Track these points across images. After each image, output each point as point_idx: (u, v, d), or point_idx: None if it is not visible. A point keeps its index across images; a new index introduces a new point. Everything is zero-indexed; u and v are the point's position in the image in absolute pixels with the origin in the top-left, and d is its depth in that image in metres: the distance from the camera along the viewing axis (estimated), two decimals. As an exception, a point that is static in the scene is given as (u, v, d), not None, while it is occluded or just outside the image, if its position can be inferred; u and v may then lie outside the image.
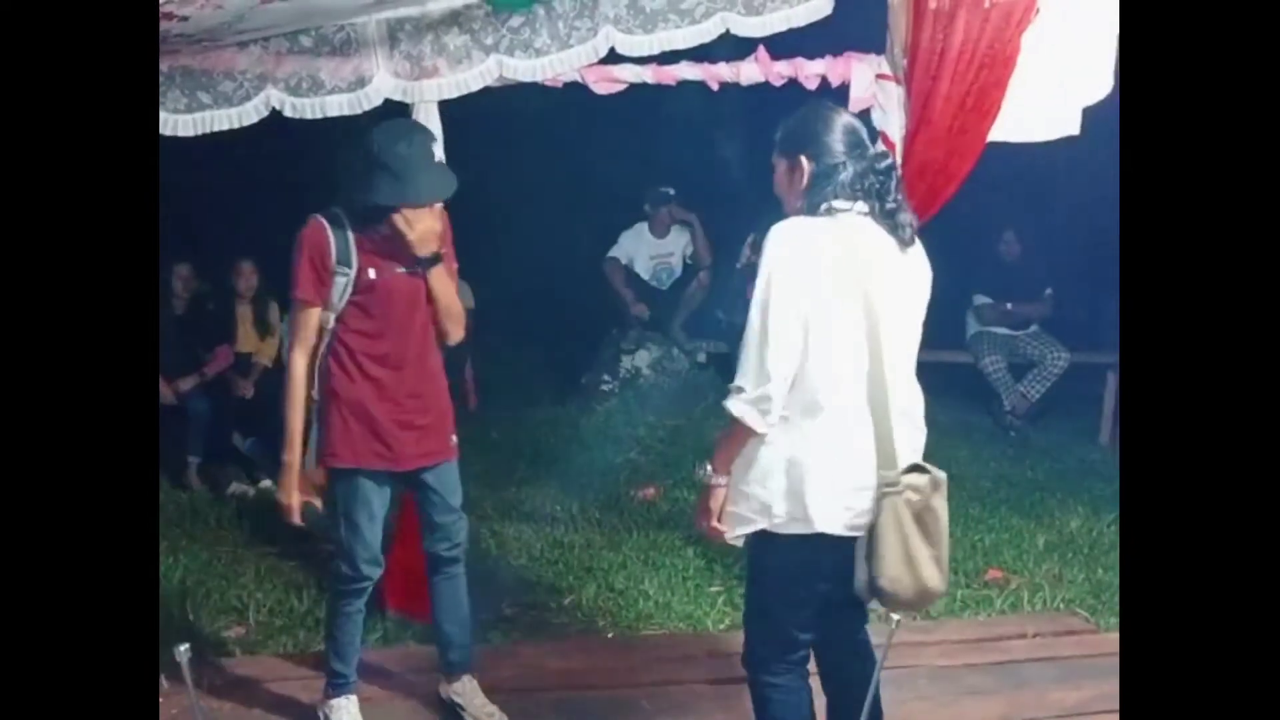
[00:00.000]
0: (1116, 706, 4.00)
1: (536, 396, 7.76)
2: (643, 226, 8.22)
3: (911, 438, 2.96)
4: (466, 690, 3.82)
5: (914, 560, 2.84)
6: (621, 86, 4.49)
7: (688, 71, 4.50)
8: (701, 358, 8.07)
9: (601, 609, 4.89)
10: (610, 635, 4.69)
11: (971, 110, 4.08)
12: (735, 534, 2.98)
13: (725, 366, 7.88)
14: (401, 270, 3.49)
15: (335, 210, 3.49)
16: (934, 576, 2.88)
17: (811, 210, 2.91)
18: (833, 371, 2.83)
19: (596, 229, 8.49)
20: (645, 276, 8.21)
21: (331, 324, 3.50)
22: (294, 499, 3.56)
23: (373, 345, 3.50)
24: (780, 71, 4.52)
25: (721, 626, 4.77)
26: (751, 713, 3.16)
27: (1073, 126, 4.19)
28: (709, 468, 3.00)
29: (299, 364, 3.51)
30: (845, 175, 2.91)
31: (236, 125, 4.17)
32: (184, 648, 2.32)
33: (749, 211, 4.11)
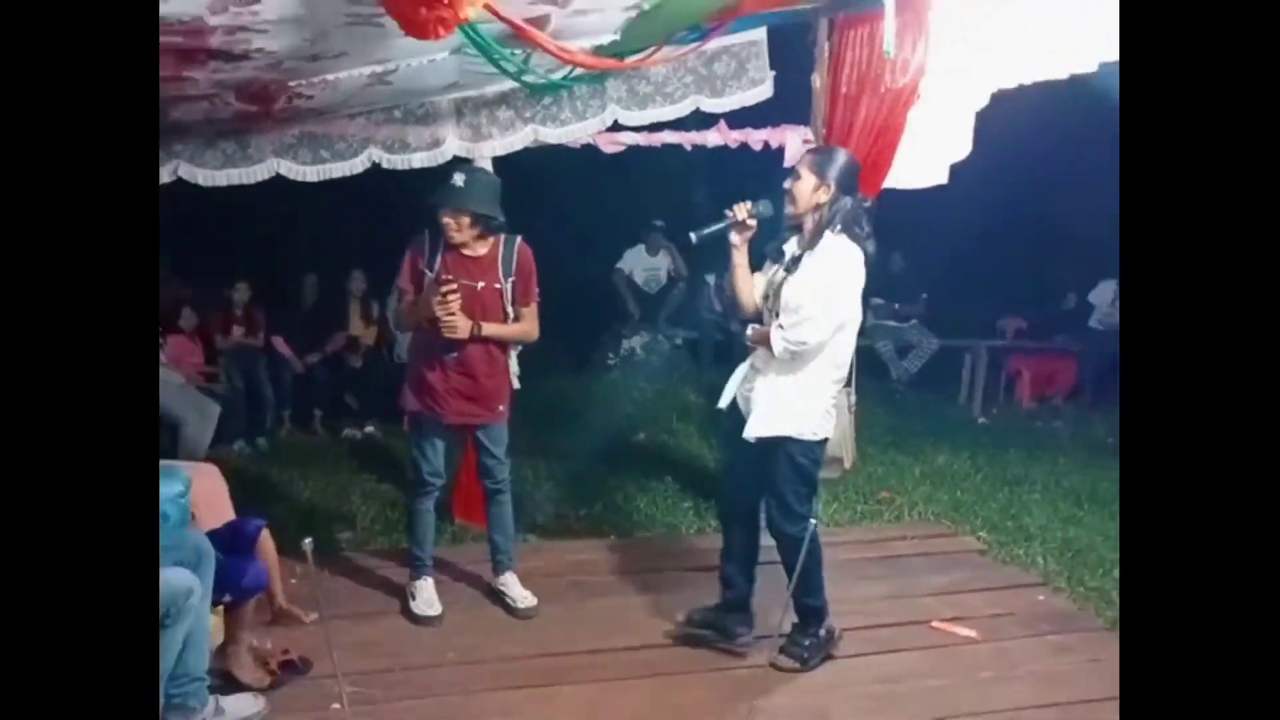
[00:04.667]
0: (969, 588, 4.06)
1: (560, 369, 7.76)
2: (640, 247, 8.27)
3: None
4: (509, 582, 3.80)
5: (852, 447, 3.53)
6: (622, 147, 4.51)
7: (669, 137, 4.54)
8: (679, 342, 8.08)
9: (606, 519, 4.88)
10: (613, 537, 4.68)
11: (871, 166, 4.06)
12: (761, 434, 3.10)
13: (695, 350, 7.92)
14: (464, 281, 3.44)
15: (428, 231, 3.50)
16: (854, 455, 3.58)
17: (828, 226, 3.05)
18: (851, 344, 3.14)
19: (605, 249, 8.48)
20: (640, 284, 8.28)
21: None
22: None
23: (439, 333, 3.45)
24: (735, 137, 4.53)
25: (692, 531, 4.77)
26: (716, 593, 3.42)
27: (942, 177, 4.18)
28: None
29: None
30: (850, 207, 3.07)
31: (347, 174, 4.17)
32: (308, 541, 2.31)
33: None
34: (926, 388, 7.93)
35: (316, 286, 6.94)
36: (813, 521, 3.05)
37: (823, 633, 3.35)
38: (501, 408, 3.65)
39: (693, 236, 3.16)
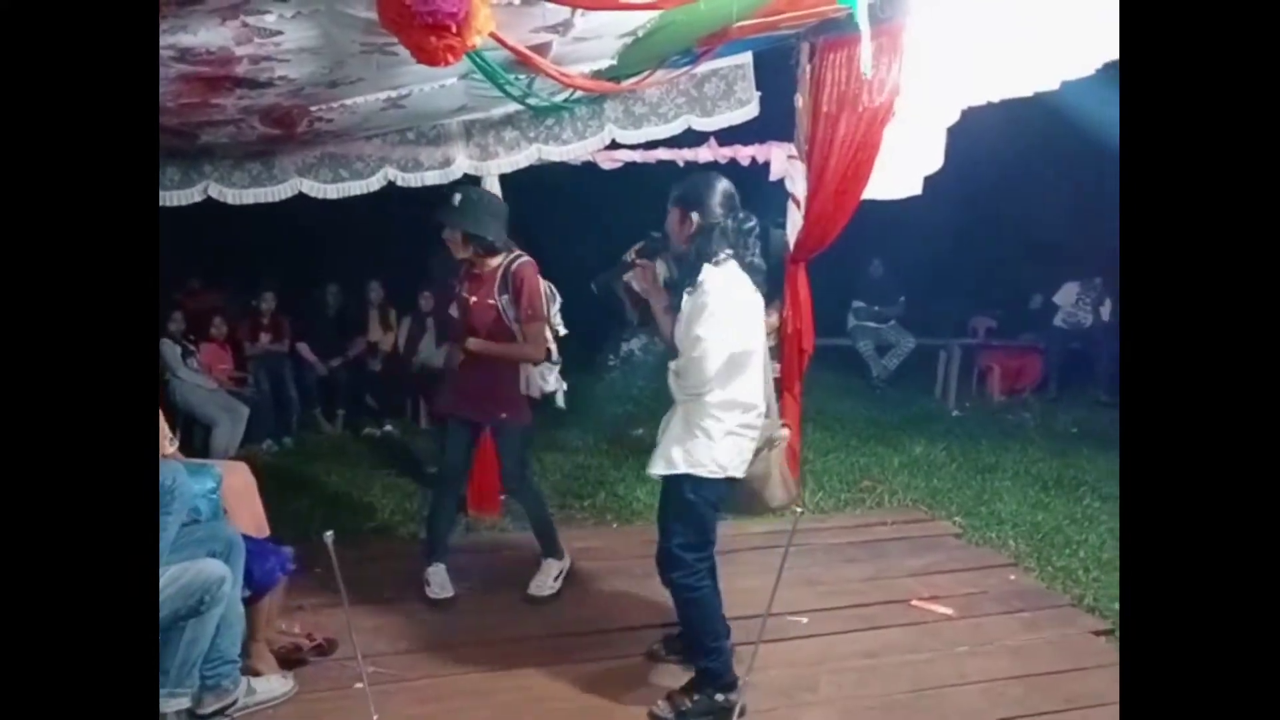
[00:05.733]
0: (945, 569, 4.06)
1: (566, 370, 7.74)
2: (639, 258, 8.27)
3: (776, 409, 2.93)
4: (544, 566, 3.76)
5: (786, 482, 2.89)
6: (620, 164, 4.51)
7: (664, 154, 4.53)
8: (674, 343, 8.09)
9: (609, 508, 4.87)
10: (615, 525, 4.68)
11: (850, 179, 4.06)
12: (659, 471, 2.77)
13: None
14: (474, 299, 3.49)
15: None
16: (793, 489, 2.95)
17: (706, 257, 2.67)
18: (755, 378, 2.73)
19: (604, 259, 8.47)
20: (639, 291, 8.25)
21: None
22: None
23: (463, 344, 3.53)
24: (724, 154, 4.54)
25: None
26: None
27: (917, 188, 4.17)
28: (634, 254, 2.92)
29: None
30: (730, 230, 2.70)
31: (364, 192, 4.16)
32: (329, 534, 2.29)
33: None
34: (905, 383, 7.93)
35: (338, 296, 6.93)
36: (705, 584, 2.76)
37: (718, 698, 2.77)
38: (505, 415, 3.57)
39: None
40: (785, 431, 2.90)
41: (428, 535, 3.76)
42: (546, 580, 3.73)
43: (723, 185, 2.76)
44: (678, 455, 2.71)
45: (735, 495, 2.81)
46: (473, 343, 3.48)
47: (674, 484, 2.77)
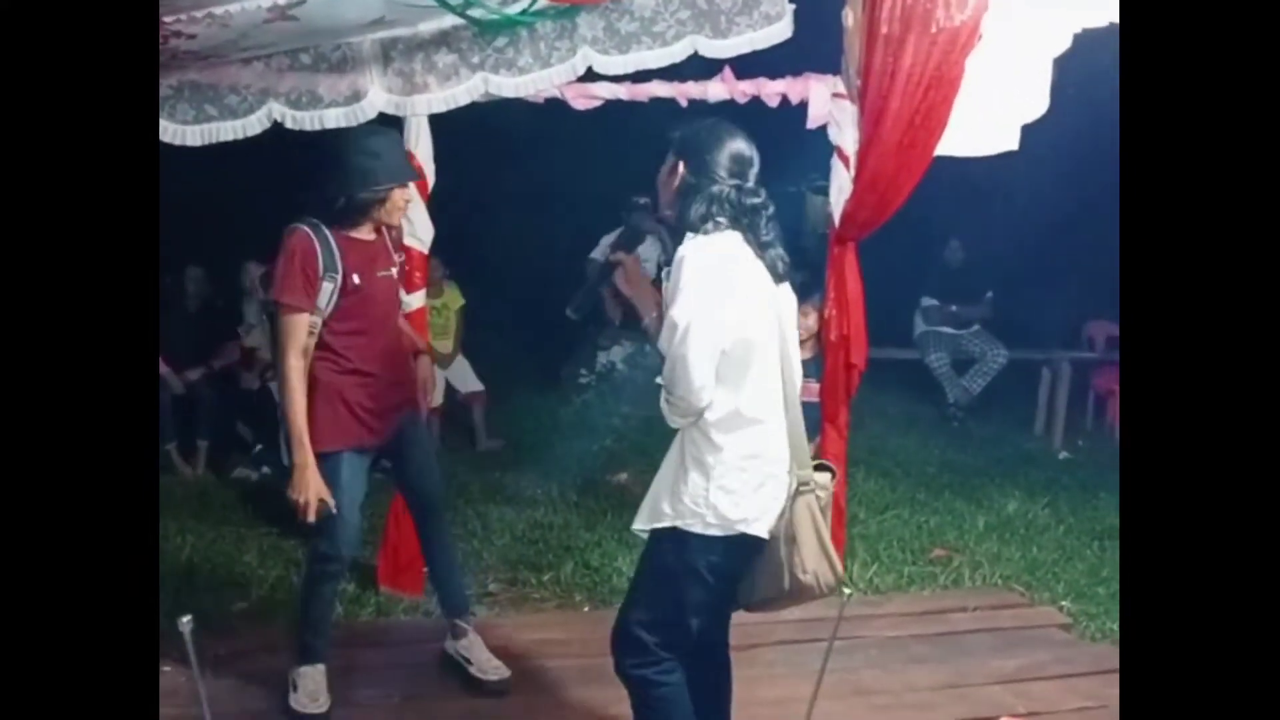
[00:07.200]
0: (1048, 674, 4.07)
1: (518, 387, 7.75)
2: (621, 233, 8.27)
3: (806, 442, 2.84)
4: (474, 645, 3.88)
5: (828, 551, 2.73)
6: (598, 103, 4.49)
7: (659, 89, 4.50)
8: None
9: (578, 584, 4.87)
10: (586, 609, 4.67)
11: (919, 127, 4.08)
12: (643, 527, 2.80)
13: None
14: (381, 274, 3.58)
15: (314, 220, 3.47)
16: (838, 565, 2.77)
17: (693, 225, 2.70)
18: (766, 385, 2.72)
19: (575, 233, 8.49)
20: (621, 279, 8.25)
21: (318, 328, 3.48)
22: (311, 496, 3.39)
23: (356, 342, 3.54)
24: (744, 90, 4.52)
25: (688, 600, 4.75)
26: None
27: (1012, 142, 4.19)
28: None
29: (296, 367, 3.40)
30: (720, 197, 2.71)
31: (241, 136, 4.15)
32: (186, 619, 2.28)
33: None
34: (993, 413, 7.96)
35: (201, 283, 6.92)
36: (667, 682, 2.75)
37: None
38: (412, 409, 3.84)
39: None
40: (825, 476, 2.84)
41: (300, 626, 3.75)
42: (490, 656, 3.86)
43: (736, 144, 2.77)
44: (665, 503, 2.73)
45: (752, 571, 2.78)
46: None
47: (655, 541, 2.79)
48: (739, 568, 2.75)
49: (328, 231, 3.45)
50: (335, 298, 3.45)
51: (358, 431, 3.57)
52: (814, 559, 2.72)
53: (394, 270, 3.67)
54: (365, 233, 3.57)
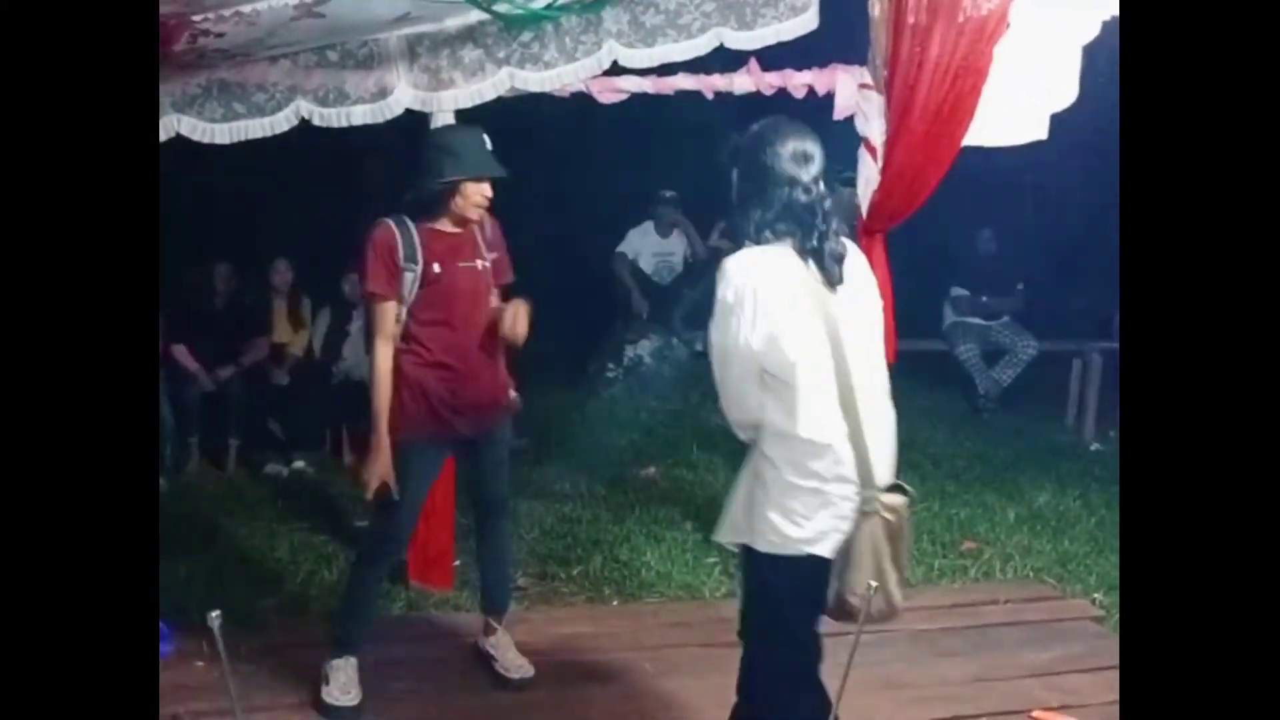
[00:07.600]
0: (1080, 667, 4.05)
1: (546, 382, 7.76)
2: (649, 225, 8.30)
3: (888, 459, 2.74)
4: (501, 643, 3.90)
5: (885, 577, 2.67)
6: (624, 96, 4.50)
7: (685, 82, 4.50)
8: (699, 347, 8.04)
9: (607, 579, 4.88)
10: (615, 603, 4.68)
11: (947, 117, 4.07)
12: (721, 540, 2.90)
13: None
14: (464, 265, 3.60)
15: (399, 215, 3.57)
16: (897, 596, 2.74)
17: (742, 235, 2.69)
18: (812, 406, 2.62)
19: (602, 227, 8.50)
20: (649, 272, 8.27)
21: (403, 317, 3.58)
22: (374, 478, 3.53)
23: (439, 333, 3.59)
24: (770, 82, 4.53)
25: (718, 594, 4.75)
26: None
27: (1041, 131, 4.18)
28: None
29: (384, 354, 3.56)
30: (770, 202, 2.67)
31: (269, 134, 4.17)
32: (215, 614, 2.29)
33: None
34: (1024, 404, 7.92)
35: (230, 280, 6.94)
36: (873, 583, 2.63)
37: None
38: (502, 414, 3.88)
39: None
40: (896, 498, 2.73)
41: (341, 614, 3.79)
42: (517, 655, 3.88)
43: (791, 141, 2.71)
44: (741, 517, 2.76)
45: None
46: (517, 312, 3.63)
47: (745, 556, 2.82)
48: (812, 588, 2.71)
49: (410, 224, 3.55)
50: (417, 286, 3.55)
51: (434, 425, 3.63)
52: (866, 584, 2.64)
53: (479, 263, 3.66)
54: (448, 225, 3.61)
